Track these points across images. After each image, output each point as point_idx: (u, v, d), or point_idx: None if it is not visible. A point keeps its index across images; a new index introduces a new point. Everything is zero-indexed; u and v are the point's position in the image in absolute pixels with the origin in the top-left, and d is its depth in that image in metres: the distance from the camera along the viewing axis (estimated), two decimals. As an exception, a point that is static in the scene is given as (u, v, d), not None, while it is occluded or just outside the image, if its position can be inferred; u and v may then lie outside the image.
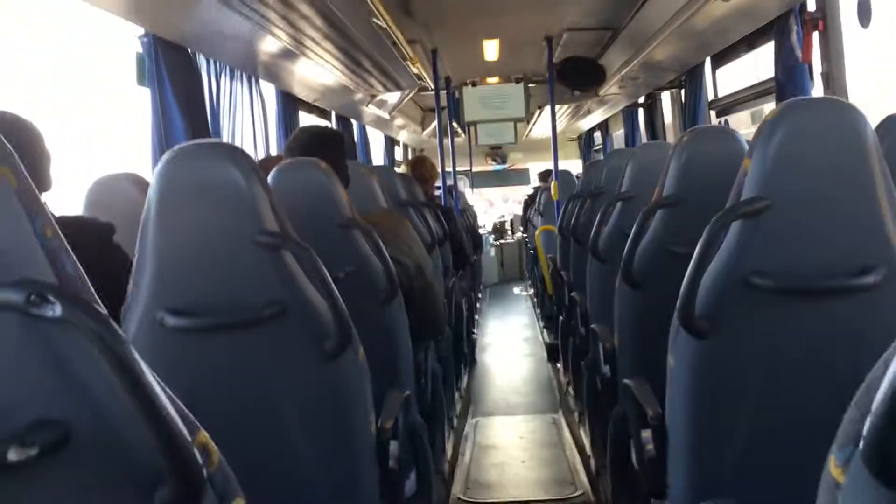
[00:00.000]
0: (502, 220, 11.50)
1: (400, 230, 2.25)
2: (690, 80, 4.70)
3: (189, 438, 0.73)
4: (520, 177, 12.10)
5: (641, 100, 6.38)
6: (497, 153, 10.96)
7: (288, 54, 3.41)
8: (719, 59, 4.27)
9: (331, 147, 2.17)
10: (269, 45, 3.20)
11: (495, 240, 10.64)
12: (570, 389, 4.08)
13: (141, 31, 2.70)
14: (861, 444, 0.62)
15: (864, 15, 2.59)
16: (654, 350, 1.73)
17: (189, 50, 2.94)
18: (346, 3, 3.02)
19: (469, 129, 7.47)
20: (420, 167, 4.55)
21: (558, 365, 4.84)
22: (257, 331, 1.42)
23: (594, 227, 2.85)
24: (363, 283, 2.00)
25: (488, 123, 6.64)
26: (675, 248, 2.02)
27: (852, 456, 0.65)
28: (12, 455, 0.63)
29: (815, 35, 2.94)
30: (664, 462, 1.58)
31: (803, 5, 3.03)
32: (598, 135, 9.73)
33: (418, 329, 2.22)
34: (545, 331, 6.23)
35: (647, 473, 1.67)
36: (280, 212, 1.45)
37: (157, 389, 0.71)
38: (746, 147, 2.09)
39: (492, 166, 11.51)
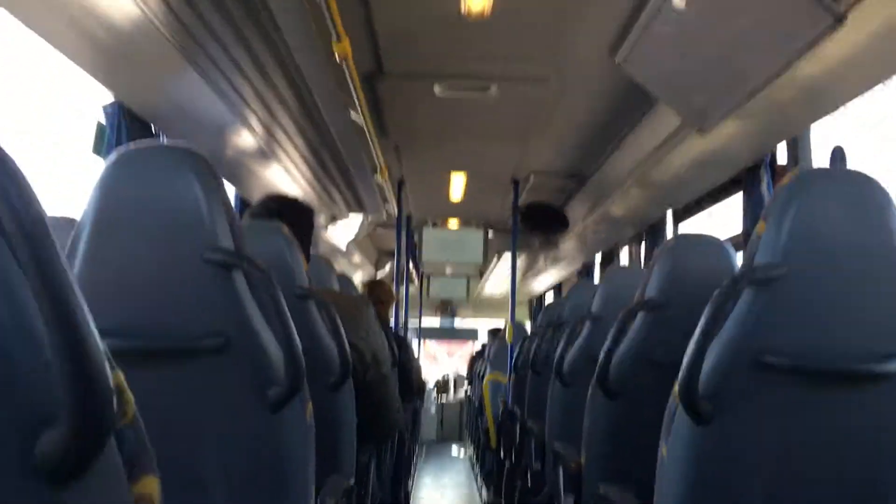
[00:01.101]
0: (445, 377, 11.28)
1: (359, 313, 2.06)
2: (651, 234, 4.72)
3: (108, 371, 0.52)
4: (468, 333, 11.96)
5: (598, 258, 6.41)
6: (447, 307, 10.92)
7: (259, 152, 3.31)
8: (682, 213, 4.30)
9: (298, 217, 2.01)
10: (241, 137, 3.11)
11: (437, 396, 10.37)
12: None
13: (106, 99, 2.58)
14: None
15: (838, 161, 2.61)
16: (630, 463, 1.56)
17: (153, 128, 2.81)
18: (325, 94, 2.95)
19: (421, 280, 7.39)
20: (377, 289, 4.36)
21: None
22: (191, 363, 1.20)
23: (558, 351, 2.71)
24: (312, 363, 1.78)
25: (441, 277, 6.59)
26: (656, 356, 1.88)
27: None
28: None
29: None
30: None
31: (773, 155, 3.07)
32: (549, 294, 9.74)
33: (367, 426, 1.98)
34: (484, 488, 5.90)
35: None
36: (238, 231, 1.27)
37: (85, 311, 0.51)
38: (736, 259, 2.01)
39: (440, 320, 11.42)
